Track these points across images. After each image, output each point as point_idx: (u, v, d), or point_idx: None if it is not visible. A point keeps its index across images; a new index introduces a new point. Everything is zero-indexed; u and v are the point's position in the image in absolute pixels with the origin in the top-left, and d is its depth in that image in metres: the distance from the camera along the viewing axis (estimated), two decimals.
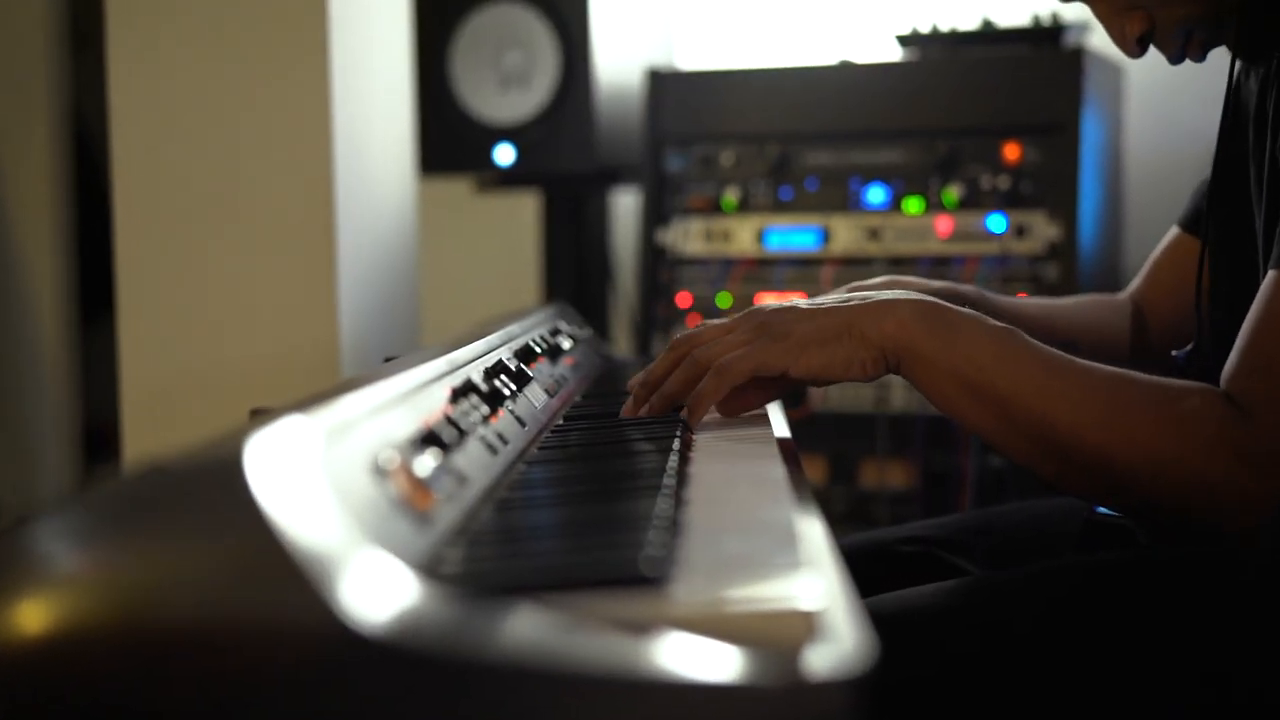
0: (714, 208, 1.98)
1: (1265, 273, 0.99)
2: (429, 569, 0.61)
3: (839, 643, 0.51)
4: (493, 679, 0.47)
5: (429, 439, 0.72)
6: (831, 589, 0.57)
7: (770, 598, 0.55)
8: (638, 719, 0.47)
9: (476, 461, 0.79)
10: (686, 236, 1.98)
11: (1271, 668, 0.85)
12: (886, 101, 1.91)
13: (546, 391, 1.11)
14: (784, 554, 0.62)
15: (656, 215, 2.00)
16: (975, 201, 1.86)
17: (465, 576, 0.60)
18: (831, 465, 1.88)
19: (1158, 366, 1.04)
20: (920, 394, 1.02)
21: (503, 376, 0.98)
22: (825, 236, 1.92)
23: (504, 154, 1.99)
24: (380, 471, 0.64)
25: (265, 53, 1.75)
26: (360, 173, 1.82)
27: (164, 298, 1.78)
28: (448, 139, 2.00)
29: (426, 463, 0.70)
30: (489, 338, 1.07)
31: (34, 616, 0.48)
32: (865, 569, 1.14)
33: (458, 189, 2.27)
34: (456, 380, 0.88)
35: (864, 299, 1.01)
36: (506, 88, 1.99)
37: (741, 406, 1.06)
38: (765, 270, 1.96)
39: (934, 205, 1.88)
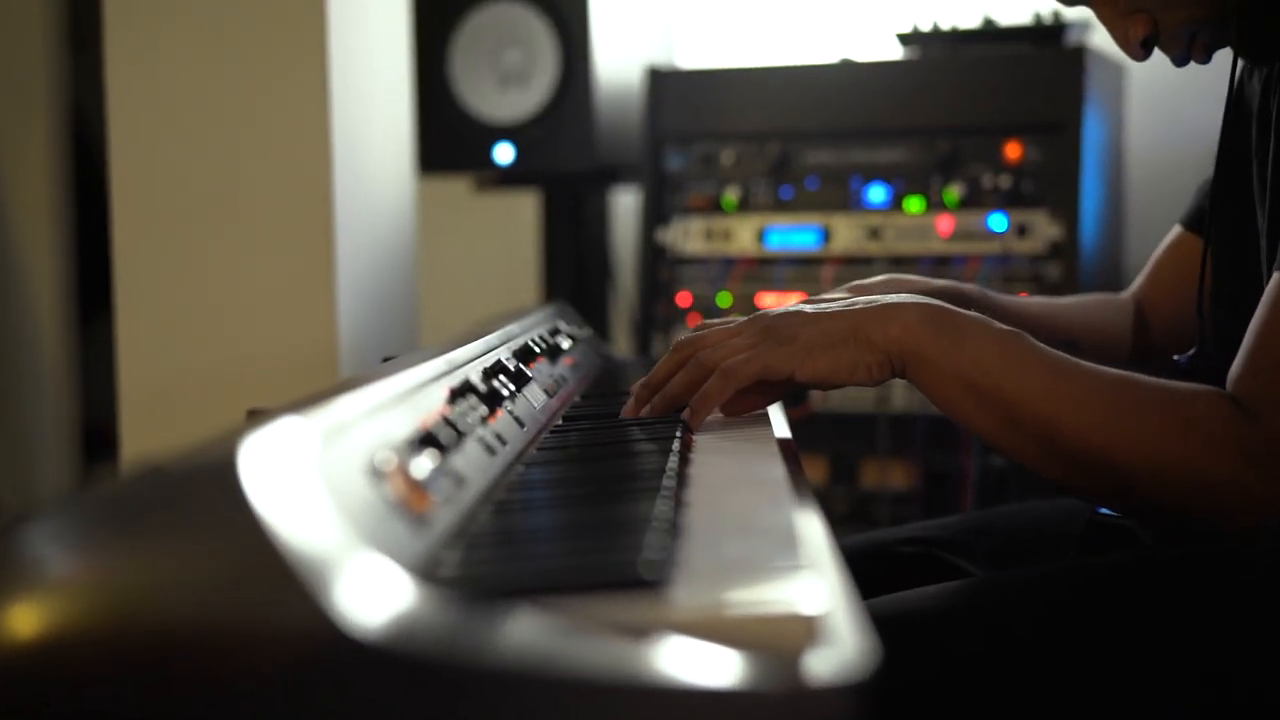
0: (714, 207, 1.97)
1: (1269, 273, 0.99)
2: (426, 572, 0.60)
3: (840, 647, 0.51)
4: (490, 684, 0.46)
5: (426, 440, 0.72)
6: (833, 592, 0.56)
7: (771, 601, 0.54)
8: None
9: (474, 463, 0.79)
10: (686, 236, 1.98)
11: (1273, 668, 0.84)
12: (887, 100, 1.90)
13: (546, 392, 1.11)
14: (785, 557, 0.61)
15: (656, 214, 2.00)
16: (976, 201, 1.86)
17: (462, 580, 0.60)
18: (832, 465, 1.87)
19: (1160, 367, 1.04)
20: (924, 396, 1.01)
21: (501, 377, 0.97)
22: (826, 236, 1.92)
23: (503, 153, 1.98)
24: (377, 473, 0.63)
25: (264, 51, 1.75)
26: (359, 172, 1.81)
27: (162, 297, 1.78)
28: (447, 138, 2.00)
29: (424, 464, 0.69)
30: (487, 338, 1.07)
31: (27, 620, 0.48)
32: (866, 570, 1.14)
33: (457, 188, 2.27)
34: (455, 381, 0.87)
35: (869, 302, 1.01)
36: (506, 86, 1.99)
37: (744, 407, 1.06)
38: (766, 270, 1.95)
39: (935, 204, 1.88)
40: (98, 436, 2.84)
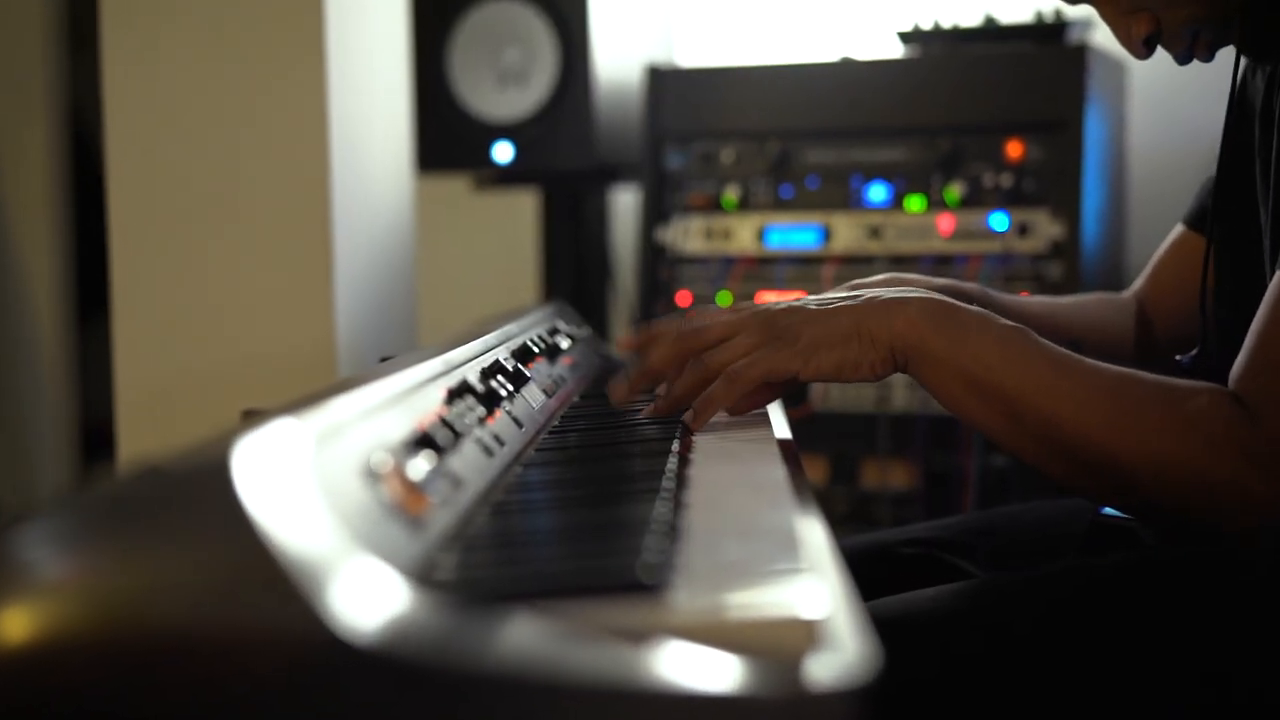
0: (714, 206, 1.97)
1: (1272, 271, 0.98)
2: (422, 575, 0.60)
3: (842, 652, 0.50)
4: (486, 689, 0.46)
5: (423, 441, 0.71)
6: (834, 596, 0.56)
7: (771, 605, 0.54)
8: None
9: (472, 464, 0.78)
10: (686, 235, 1.97)
11: (1274, 669, 0.84)
12: (888, 99, 1.89)
13: (544, 392, 1.10)
14: (785, 559, 0.61)
15: (656, 213, 1.99)
16: (977, 199, 1.85)
17: (459, 583, 0.59)
18: (832, 465, 1.87)
19: (1162, 366, 1.03)
20: (926, 393, 1.01)
21: (499, 377, 0.97)
22: (826, 235, 1.91)
23: (502, 151, 1.98)
24: (372, 475, 0.62)
25: (262, 50, 1.74)
26: (357, 171, 1.81)
27: (159, 297, 1.77)
28: (446, 136, 1.99)
29: (420, 466, 0.69)
30: (486, 337, 1.06)
31: (20, 623, 0.48)
32: (867, 571, 1.14)
33: (456, 187, 2.26)
34: (452, 381, 0.87)
35: (871, 298, 1.01)
36: (505, 85, 1.98)
37: (748, 406, 1.05)
38: (766, 269, 1.94)
39: (936, 203, 1.87)
40: (96, 436, 2.84)
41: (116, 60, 1.77)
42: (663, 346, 1.06)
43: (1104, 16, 1.07)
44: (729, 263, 1.96)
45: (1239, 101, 1.09)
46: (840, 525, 1.81)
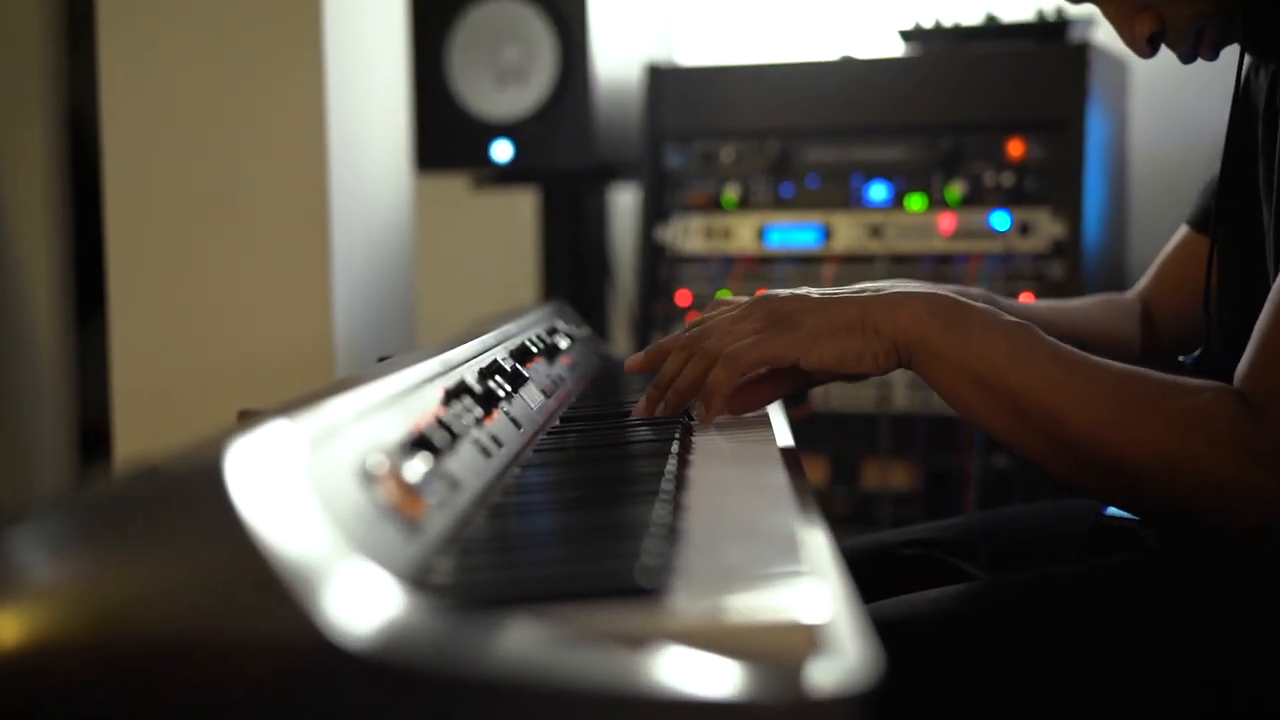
0: (714, 205, 1.96)
1: (1275, 271, 0.98)
2: (418, 579, 0.59)
3: (843, 657, 0.50)
4: (481, 695, 0.46)
5: (419, 443, 0.70)
6: (835, 599, 0.55)
7: (772, 609, 0.53)
8: None
9: (469, 465, 0.77)
10: (686, 234, 1.97)
11: (1276, 672, 0.83)
12: (889, 97, 1.89)
13: (543, 392, 1.10)
14: (786, 562, 0.60)
15: (656, 212, 1.99)
16: (979, 198, 1.84)
17: (456, 587, 0.59)
18: (833, 465, 1.86)
19: (1165, 367, 1.03)
20: (927, 393, 1.00)
21: (497, 377, 0.96)
22: (826, 234, 1.90)
23: (501, 150, 1.97)
24: (368, 477, 0.62)
25: (259, 49, 1.74)
26: (355, 169, 1.80)
27: (156, 296, 1.77)
28: (444, 135, 1.98)
29: (417, 467, 0.68)
30: (484, 337, 1.06)
31: (11, 627, 0.47)
32: (868, 572, 1.13)
33: (454, 186, 2.25)
34: (450, 381, 0.86)
35: (876, 290, 1.00)
36: (504, 83, 1.97)
37: (753, 402, 1.04)
38: (766, 268, 1.94)
39: (937, 202, 1.86)
40: (95, 436, 2.83)
41: (113, 59, 1.77)
42: (674, 356, 1.06)
43: (1108, 15, 1.07)
44: (729, 262, 1.95)
45: (1241, 101, 1.09)
46: (841, 526, 1.81)
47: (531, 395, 1.05)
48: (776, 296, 1.03)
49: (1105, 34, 1.83)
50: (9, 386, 2.79)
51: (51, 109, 2.92)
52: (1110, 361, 0.94)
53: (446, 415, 0.79)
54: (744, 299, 1.08)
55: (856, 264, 1.89)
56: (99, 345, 1.80)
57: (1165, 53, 1.07)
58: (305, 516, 0.53)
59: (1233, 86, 1.09)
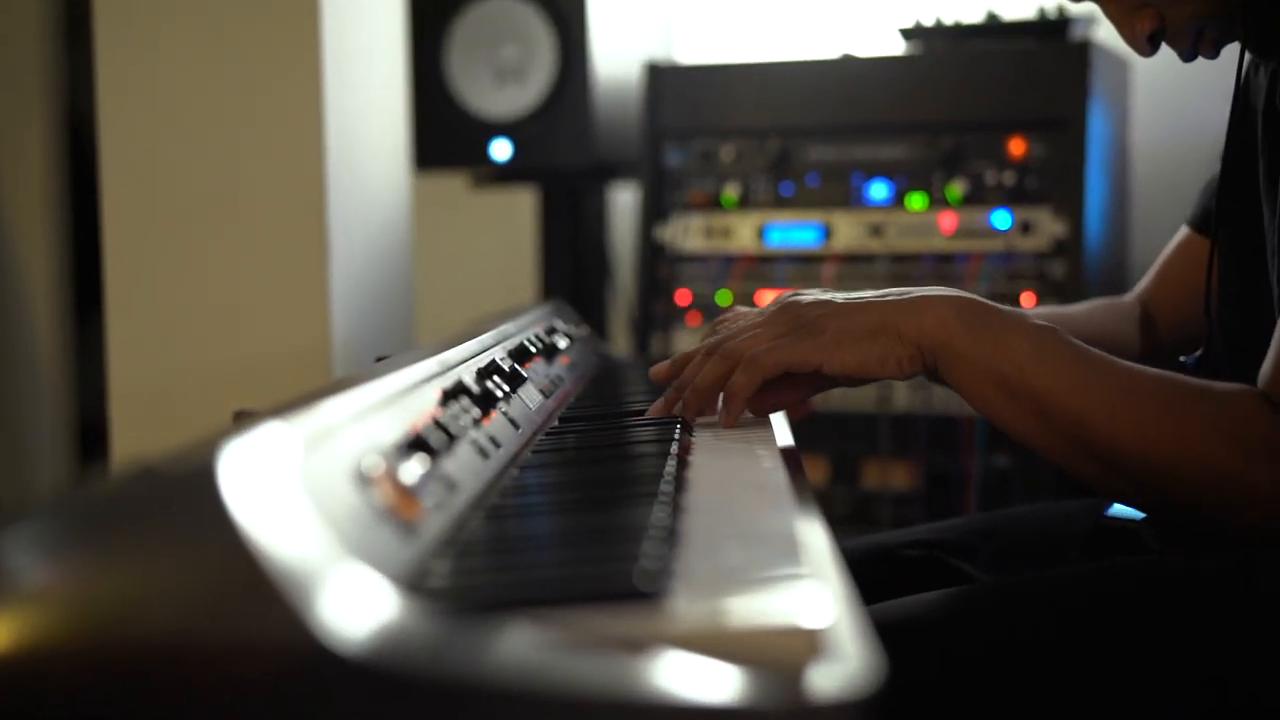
0: (714, 203, 1.95)
1: (1277, 270, 0.97)
2: (414, 582, 0.58)
3: (844, 661, 0.49)
4: (478, 701, 0.45)
5: (416, 444, 0.70)
6: (836, 603, 0.54)
7: (772, 613, 0.53)
8: None
9: (467, 467, 0.77)
10: (686, 233, 1.96)
11: (1276, 675, 0.83)
12: (889, 96, 1.88)
13: (541, 392, 1.09)
14: (786, 565, 0.60)
15: (655, 211, 1.98)
16: (980, 197, 1.84)
17: (452, 591, 0.58)
18: (833, 465, 1.85)
19: (1167, 368, 1.02)
20: (928, 393, 1.00)
21: (495, 377, 0.95)
22: (827, 233, 1.90)
23: (500, 149, 1.96)
24: (363, 479, 0.61)
25: (257, 47, 1.73)
26: (354, 168, 1.79)
27: (153, 295, 1.76)
28: (443, 134, 1.98)
29: (413, 469, 0.67)
30: (482, 337, 1.05)
31: (1, 632, 0.47)
32: (868, 573, 1.13)
33: (453, 184, 2.25)
34: (447, 382, 0.85)
35: (901, 294, 0.99)
36: (503, 82, 1.97)
37: (773, 404, 1.04)
38: (766, 267, 1.93)
39: (937, 201, 1.86)
40: (93, 434, 2.83)
41: (110, 58, 1.76)
42: (697, 363, 1.05)
43: (1108, 14, 1.06)
44: (729, 261, 1.94)
45: (1241, 100, 1.08)
46: (841, 526, 1.80)
47: (530, 395, 1.04)
48: (800, 302, 1.02)
49: (1106, 32, 1.82)
50: (8, 385, 2.79)
51: (50, 109, 2.91)
52: (1137, 365, 0.94)
53: (444, 416, 0.79)
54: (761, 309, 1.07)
55: (857, 263, 1.88)
56: (98, 344, 1.80)
57: (1167, 51, 1.06)
58: (299, 519, 0.52)
59: (1233, 86, 1.08)
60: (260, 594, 0.46)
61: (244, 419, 0.64)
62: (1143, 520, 1.08)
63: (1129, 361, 0.94)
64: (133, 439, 1.75)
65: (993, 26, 1.89)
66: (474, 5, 1.98)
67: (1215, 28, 1.03)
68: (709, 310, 1.94)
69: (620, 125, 2.01)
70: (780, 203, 1.93)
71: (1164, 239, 1.33)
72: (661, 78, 1.97)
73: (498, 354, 1.04)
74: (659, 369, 1.10)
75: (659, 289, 1.98)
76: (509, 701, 0.45)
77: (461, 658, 0.45)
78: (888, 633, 0.66)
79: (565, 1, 1.95)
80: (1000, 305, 0.98)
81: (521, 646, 0.47)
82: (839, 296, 1.02)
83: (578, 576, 0.61)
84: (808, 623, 0.51)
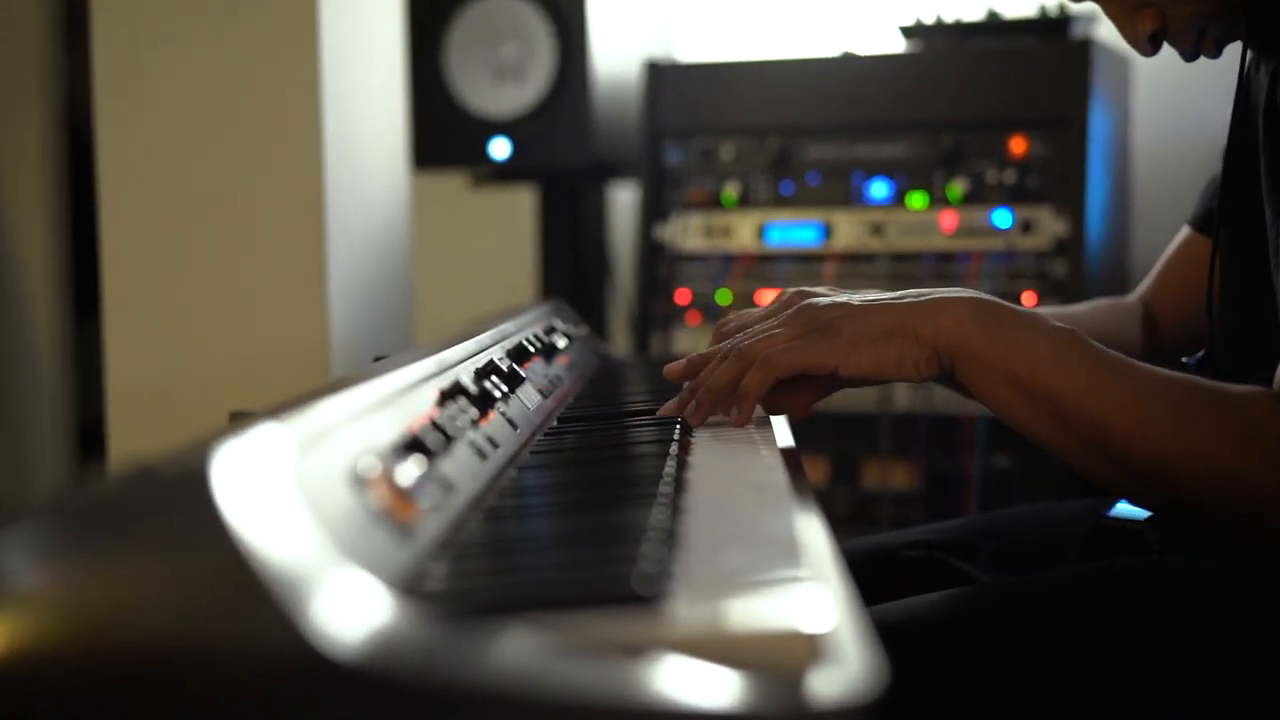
0: (714, 202, 1.95)
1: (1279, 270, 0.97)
2: (410, 585, 0.58)
3: (845, 666, 0.48)
4: (474, 706, 0.45)
5: (413, 445, 0.69)
6: (837, 607, 0.54)
7: (772, 617, 0.52)
8: None
9: (464, 468, 0.76)
10: (686, 232, 1.95)
11: (1277, 676, 0.83)
12: (890, 94, 1.87)
13: (540, 392, 1.08)
14: (786, 567, 0.59)
15: (655, 210, 1.97)
16: (980, 196, 1.83)
17: (449, 594, 0.57)
18: (833, 465, 1.85)
19: (1171, 369, 1.01)
20: (928, 393, 0.99)
21: (494, 377, 0.95)
22: (827, 232, 1.89)
23: (499, 148, 1.96)
24: (359, 481, 0.60)
25: (255, 45, 1.72)
26: (352, 167, 1.79)
27: (151, 295, 1.75)
28: (442, 133, 1.97)
29: (410, 470, 0.67)
30: (480, 337, 1.04)
31: None
32: (869, 574, 1.12)
33: (452, 184, 2.24)
34: (445, 382, 0.85)
35: (918, 295, 0.98)
36: (502, 80, 1.96)
37: (787, 404, 1.03)
38: (766, 266, 1.93)
39: (938, 200, 1.85)
40: (93, 434, 2.83)
41: (107, 56, 1.75)
42: (714, 364, 1.04)
43: (1109, 13, 1.06)
44: (729, 260, 1.94)
45: (1242, 99, 1.07)
46: (841, 526, 1.80)
47: (528, 396, 1.03)
48: (816, 303, 1.01)
49: (1108, 30, 1.81)
50: (7, 385, 2.78)
51: (49, 108, 2.91)
52: (1154, 367, 0.93)
53: (441, 417, 0.78)
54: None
55: (857, 262, 1.88)
56: (97, 344, 1.79)
57: (1168, 49, 1.06)
58: (293, 522, 0.52)
59: (1235, 84, 1.07)
60: (253, 597, 0.46)
61: (240, 420, 0.63)
62: (1144, 520, 1.08)
63: (1151, 365, 0.93)
64: (131, 439, 1.74)
65: (994, 25, 1.89)
66: (473, 4, 1.97)
67: (1217, 27, 1.03)
68: (709, 310, 1.94)
69: (620, 124, 2.00)
70: (780, 202, 1.93)
71: (1165, 238, 1.32)
72: (661, 76, 1.96)
73: (496, 354, 1.04)
74: (673, 368, 1.09)
75: (659, 288, 1.97)
76: (505, 707, 0.44)
77: (457, 662, 0.45)
78: (888, 634, 0.66)
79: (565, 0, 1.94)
80: (1017, 306, 0.98)
81: (518, 651, 0.47)
82: (855, 297, 1.01)
83: (576, 579, 0.60)
84: (808, 627, 0.51)
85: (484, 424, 0.86)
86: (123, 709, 0.45)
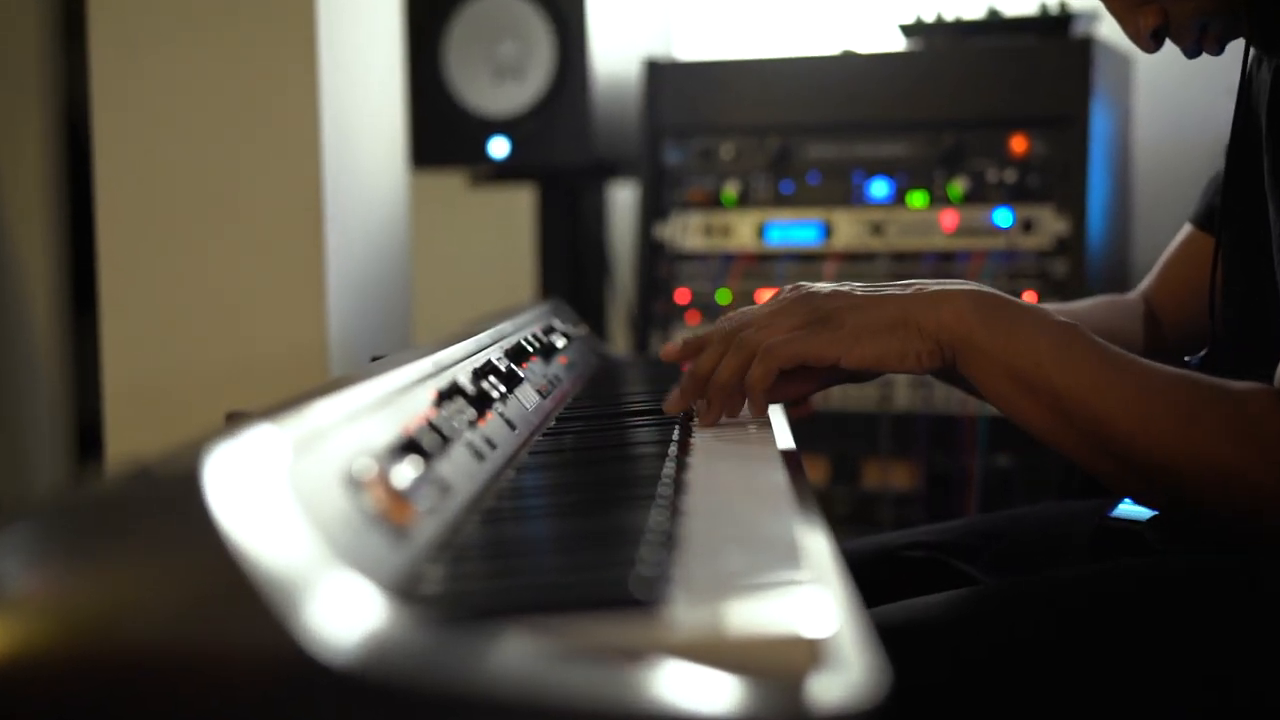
0: (713, 201, 1.94)
1: None
2: (406, 589, 0.57)
3: (847, 671, 0.48)
4: (469, 712, 0.44)
5: (409, 446, 0.68)
6: (838, 610, 0.53)
7: (773, 622, 0.51)
8: None
9: (461, 469, 0.75)
10: (685, 231, 1.95)
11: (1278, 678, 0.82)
12: (890, 92, 1.87)
13: (539, 392, 1.08)
14: (787, 570, 0.58)
15: (654, 209, 1.97)
16: (981, 195, 1.82)
17: (445, 597, 0.57)
18: (834, 465, 1.84)
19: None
20: (928, 393, 0.99)
21: (492, 378, 0.94)
22: (827, 231, 1.89)
23: (498, 147, 1.95)
24: (354, 483, 0.60)
25: (252, 42, 1.72)
26: (350, 166, 1.78)
27: (148, 294, 1.75)
28: (441, 132, 1.96)
29: (406, 472, 0.66)
30: (478, 336, 1.04)
31: None
32: (870, 575, 1.12)
33: (451, 183, 2.24)
34: (442, 382, 0.84)
35: (920, 287, 0.98)
36: (501, 79, 1.95)
37: (790, 394, 1.02)
38: (766, 266, 1.92)
39: (939, 199, 1.84)
40: (92, 433, 2.82)
41: (104, 55, 1.75)
42: (710, 348, 1.03)
43: (1111, 10, 1.05)
44: (728, 260, 1.93)
45: (1244, 96, 1.07)
46: (841, 526, 1.79)
47: (527, 396, 1.03)
48: (818, 293, 1.01)
49: (1109, 28, 1.81)
50: (6, 384, 2.78)
51: (48, 106, 2.90)
52: (1156, 364, 0.93)
53: (438, 417, 0.77)
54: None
55: (858, 262, 1.87)
56: (96, 342, 1.79)
57: (1170, 47, 1.05)
58: (287, 524, 0.51)
59: (1238, 81, 1.07)
60: (246, 601, 0.45)
61: (235, 420, 0.62)
62: (1146, 521, 1.07)
63: (1154, 362, 0.93)
64: (129, 438, 1.74)
65: (994, 23, 1.88)
66: (472, 2, 1.97)
67: (1219, 23, 1.02)
68: (708, 309, 1.93)
69: (619, 123, 2.00)
70: (780, 201, 1.92)
71: (1167, 237, 1.31)
72: (661, 75, 1.96)
73: (494, 354, 1.03)
74: (669, 348, 1.09)
75: (658, 288, 1.97)
76: (501, 713, 0.44)
77: (453, 667, 0.45)
78: (890, 635, 0.65)
79: None
80: (1020, 300, 0.97)
81: (515, 656, 0.46)
82: (857, 288, 1.00)
83: (574, 583, 0.60)
84: (809, 631, 0.50)
85: (482, 425, 0.85)
86: (115, 714, 0.45)
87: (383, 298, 1.88)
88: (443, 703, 0.44)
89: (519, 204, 2.34)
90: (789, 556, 0.61)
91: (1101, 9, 1.07)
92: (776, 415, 1.08)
